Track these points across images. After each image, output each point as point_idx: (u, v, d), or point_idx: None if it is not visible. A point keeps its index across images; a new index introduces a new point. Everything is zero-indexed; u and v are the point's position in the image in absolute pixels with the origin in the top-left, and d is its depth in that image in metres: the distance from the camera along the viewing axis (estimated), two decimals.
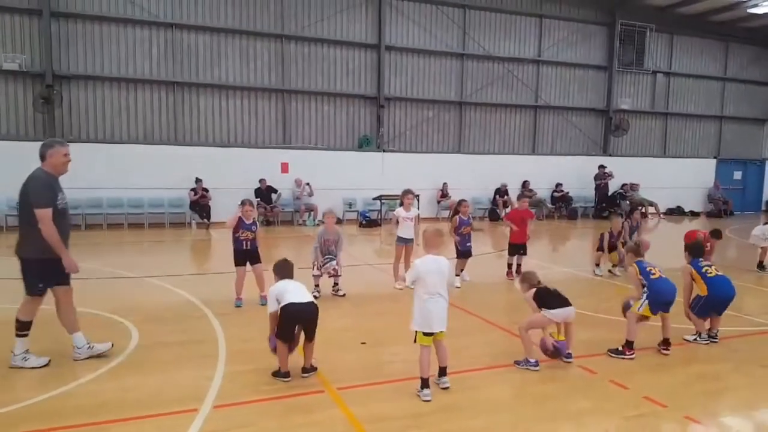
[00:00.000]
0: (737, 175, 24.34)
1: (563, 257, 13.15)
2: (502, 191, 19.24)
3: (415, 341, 4.62)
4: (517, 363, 5.25)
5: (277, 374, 4.85)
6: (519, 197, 11.30)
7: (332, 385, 4.74)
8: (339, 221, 16.37)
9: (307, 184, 16.81)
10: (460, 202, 8.86)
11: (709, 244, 8.57)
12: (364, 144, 18.36)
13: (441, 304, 4.59)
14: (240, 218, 7.21)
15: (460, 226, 8.65)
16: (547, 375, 5.11)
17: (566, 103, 21.22)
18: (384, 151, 18.39)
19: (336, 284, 7.98)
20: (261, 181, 16.36)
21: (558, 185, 20.36)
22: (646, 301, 5.59)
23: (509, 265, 9.44)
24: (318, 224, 16.17)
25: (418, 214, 8.83)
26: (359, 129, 18.48)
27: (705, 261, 6.29)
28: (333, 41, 17.65)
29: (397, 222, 8.57)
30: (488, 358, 5.48)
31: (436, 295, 4.58)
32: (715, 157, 23.92)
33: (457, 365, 5.06)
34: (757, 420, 4.49)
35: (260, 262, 7.33)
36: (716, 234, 9.03)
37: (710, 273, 6.08)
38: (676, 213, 21.98)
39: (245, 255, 7.27)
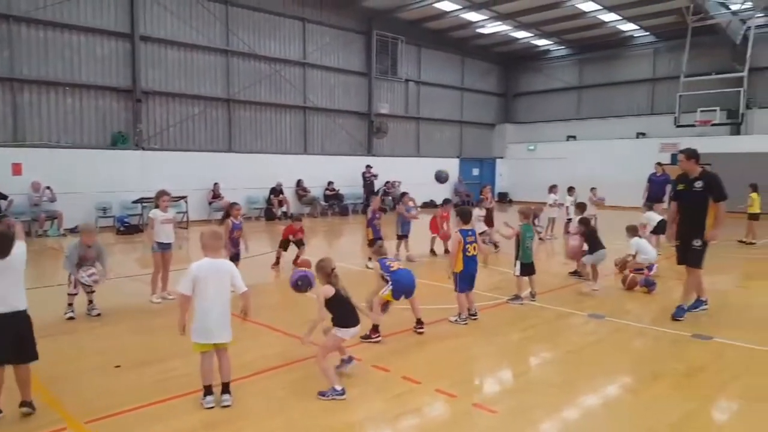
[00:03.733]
0: (475, 171, 28.53)
1: (337, 252, 13.71)
2: (277, 190, 19.26)
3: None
4: (321, 394, 4.59)
5: None
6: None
7: (77, 419, 4.12)
8: None
9: (48, 188, 14.47)
10: (232, 205, 8.78)
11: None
12: (118, 141, 16.52)
13: (221, 311, 4.35)
14: None
15: (232, 230, 8.43)
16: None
17: (332, 106, 22.17)
18: (143, 149, 16.85)
19: (91, 302, 7.02)
20: None
21: (330, 183, 21.19)
22: (390, 287, 6.14)
23: (277, 258, 10.32)
24: (63, 234, 14.13)
25: (176, 216, 8.37)
26: (112, 125, 16.59)
27: (470, 237, 6.72)
28: (74, 26, 15.48)
29: (154, 227, 7.82)
30: (262, 361, 5.37)
31: (216, 302, 4.33)
32: (458, 157, 27.56)
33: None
34: (500, 380, 5.24)
35: None
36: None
37: (469, 252, 6.74)
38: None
39: None
